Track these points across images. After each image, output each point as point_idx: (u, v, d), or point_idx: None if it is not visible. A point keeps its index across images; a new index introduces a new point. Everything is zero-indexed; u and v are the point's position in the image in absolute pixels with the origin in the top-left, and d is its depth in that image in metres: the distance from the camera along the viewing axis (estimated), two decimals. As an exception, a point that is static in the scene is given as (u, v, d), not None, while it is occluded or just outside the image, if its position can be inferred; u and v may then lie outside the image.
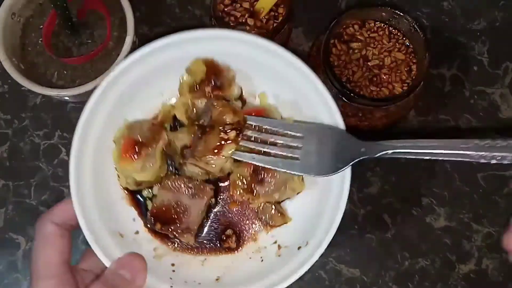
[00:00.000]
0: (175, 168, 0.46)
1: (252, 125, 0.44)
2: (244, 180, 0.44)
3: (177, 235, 0.44)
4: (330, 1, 0.68)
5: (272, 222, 0.46)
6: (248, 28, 0.51)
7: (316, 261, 0.60)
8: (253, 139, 0.44)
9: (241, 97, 0.47)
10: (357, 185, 0.62)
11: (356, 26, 0.52)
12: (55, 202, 0.61)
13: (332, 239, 0.61)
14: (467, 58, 0.66)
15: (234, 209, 0.46)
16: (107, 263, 0.41)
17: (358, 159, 0.42)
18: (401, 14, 0.49)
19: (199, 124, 0.43)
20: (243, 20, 0.51)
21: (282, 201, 0.46)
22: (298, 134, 0.44)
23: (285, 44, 0.54)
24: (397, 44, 0.51)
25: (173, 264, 0.45)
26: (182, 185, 0.44)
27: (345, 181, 0.43)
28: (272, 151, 0.44)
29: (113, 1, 0.54)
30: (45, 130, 0.64)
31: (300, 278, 0.61)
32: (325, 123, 0.44)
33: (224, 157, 0.42)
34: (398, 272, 0.61)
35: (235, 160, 0.44)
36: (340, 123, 0.44)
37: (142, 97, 0.45)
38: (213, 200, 0.46)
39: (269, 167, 0.44)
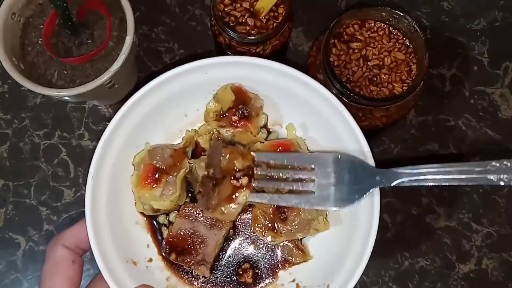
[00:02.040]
0: (194, 196, 0.43)
1: (262, 162, 0.42)
2: (267, 217, 0.42)
3: (192, 267, 0.41)
4: (330, 1, 0.68)
5: (291, 259, 0.43)
6: (248, 28, 0.51)
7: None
8: (265, 178, 0.42)
9: (265, 126, 0.45)
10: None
11: (356, 26, 0.52)
12: (55, 202, 0.62)
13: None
14: (467, 58, 0.66)
15: (253, 243, 0.44)
16: None
17: (374, 189, 0.41)
18: (401, 14, 0.49)
19: (209, 176, 0.42)
20: (243, 20, 0.51)
21: (303, 239, 0.44)
22: (310, 166, 0.42)
23: (285, 44, 0.54)
24: (397, 44, 0.51)
25: None
26: (201, 214, 0.42)
27: (373, 222, 0.40)
28: (286, 187, 0.42)
29: (113, 1, 0.54)
30: (45, 130, 0.64)
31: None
32: (336, 152, 0.42)
33: (238, 205, 0.41)
34: (398, 272, 0.61)
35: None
36: (369, 156, 0.42)
37: (165, 120, 0.43)
38: (231, 231, 0.43)
39: (284, 204, 0.42)
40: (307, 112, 0.44)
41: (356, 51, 0.51)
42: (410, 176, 0.41)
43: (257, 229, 0.43)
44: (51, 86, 0.53)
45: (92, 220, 0.39)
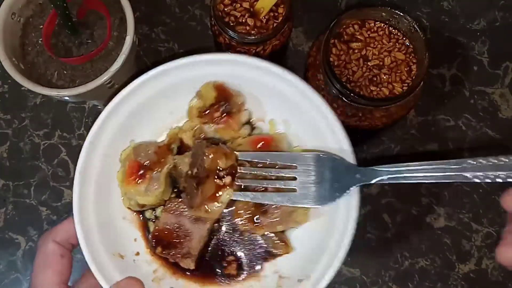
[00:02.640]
0: (179, 191, 0.44)
1: (245, 161, 0.43)
2: (248, 210, 0.43)
3: (177, 259, 0.42)
4: (330, 1, 0.68)
5: (274, 251, 0.44)
6: (248, 28, 0.51)
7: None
8: (248, 176, 0.43)
9: (249, 123, 0.46)
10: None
11: (356, 26, 0.52)
12: (55, 202, 0.62)
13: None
14: (467, 58, 0.66)
15: (237, 236, 0.45)
16: (105, 286, 0.40)
17: (355, 186, 0.42)
18: (401, 14, 0.49)
19: (193, 175, 0.42)
20: (243, 20, 0.51)
21: (285, 231, 0.46)
22: (292, 165, 0.43)
23: (285, 44, 0.54)
24: (397, 44, 0.51)
25: None
26: (186, 209, 0.43)
27: (351, 216, 0.41)
28: (269, 186, 0.43)
29: (113, 1, 0.54)
30: (45, 130, 0.64)
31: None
32: (318, 150, 0.44)
33: (222, 203, 0.42)
34: (398, 272, 0.61)
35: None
36: (348, 154, 0.43)
37: (150, 118, 0.44)
38: (216, 225, 0.44)
39: (267, 202, 0.43)
40: (290, 109, 0.44)
41: (356, 51, 0.51)
42: (389, 174, 0.41)
43: (239, 222, 0.43)
44: (51, 86, 0.53)
45: (79, 215, 0.40)
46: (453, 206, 0.62)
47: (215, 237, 0.45)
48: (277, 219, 0.43)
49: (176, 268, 0.43)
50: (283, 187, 0.43)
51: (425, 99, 0.64)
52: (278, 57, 0.58)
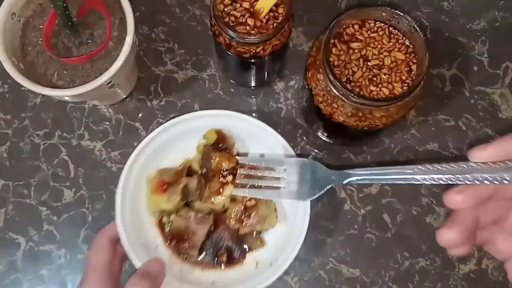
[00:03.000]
0: (186, 203, 0.60)
1: (244, 164, 0.57)
2: (237, 214, 0.57)
3: (185, 250, 0.58)
4: (330, 1, 0.68)
5: (253, 246, 0.59)
6: (248, 28, 0.51)
7: (316, 261, 0.61)
8: (246, 176, 0.56)
9: (237, 154, 0.61)
10: (357, 185, 0.63)
11: (356, 26, 0.52)
12: (55, 202, 0.62)
13: (332, 239, 0.61)
14: (467, 58, 0.66)
15: (228, 235, 0.59)
16: (138, 263, 0.54)
17: (330, 186, 0.52)
18: (401, 14, 0.49)
19: (202, 174, 0.58)
20: (243, 20, 0.51)
21: (261, 232, 0.59)
22: (282, 167, 0.55)
23: (285, 44, 0.54)
24: (397, 44, 0.51)
25: (181, 270, 0.58)
26: (192, 215, 0.58)
27: (305, 222, 0.55)
28: (262, 184, 0.55)
29: (113, 1, 0.54)
30: (45, 130, 0.64)
31: (300, 278, 0.61)
32: (299, 159, 0.55)
33: (225, 197, 0.57)
34: (398, 272, 0.61)
35: (231, 200, 0.58)
36: (291, 151, 0.58)
37: (170, 152, 0.60)
38: (213, 227, 0.59)
39: (260, 197, 0.56)
40: (262, 145, 0.60)
41: (356, 51, 0.51)
42: (358, 176, 0.49)
43: (231, 221, 0.57)
44: (51, 86, 0.53)
45: (121, 219, 0.55)
46: (453, 206, 0.62)
47: (212, 235, 0.59)
48: (256, 220, 0.57)
49: (184, 255, 0.59)
50: (273, 185, 0.55)
51: (425, 99, 0.64)
52: (278, 57, 0.58)
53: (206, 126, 0.59)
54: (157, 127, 0.57)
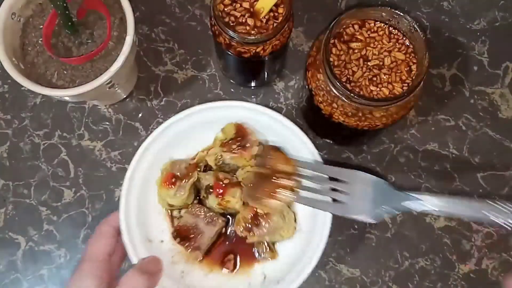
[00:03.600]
0: (200, 199, 0.57)
1: (303, 173, 0.52)
2: (246, 221, 0.54)
3: (189, 249, 0.54)
4: (330, 1, 0.68)
5: (263, 255, 0.55)
6: (248, 28, 0.51)
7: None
8: (307, 188, 0.51)
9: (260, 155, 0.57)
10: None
11: (356, 26, 0.52)
12: (55, 202, 0.62)
13: (332, 239, 0.61)
14: (467, 58, 0.66)
15: (237, 240, 0.56)
16: (135, 260, 0.52)
17: (402, 211, 0.48)
18: (401, 14, 0.49)
19: (259, 173, 0.53)
20: (243, 20, 0.51)
21: (274, 242, 0.56)
22: (346, 181, 0.50)
23: (285, 44, 0.54)
24: (397, 44, 0.51)
25: (182, 272, 0.55)
26: (202, 213, 0.55)
27: (323, 236, 0.51)
28: (324, 197, 0.51)
29: (113, 1, 0.54)
30: (45, 130, 0.64)
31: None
32: (367, 175, 0.51)
33: (278, 201, 0.51)
34: (398, 272, 0.61)
35: (244, 203, 0.54)
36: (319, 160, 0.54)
37: (187, 142, 0.57)
38: (223, 230, 0.56)
39: (321, 209, 0.51)
40: (283, 138, 0.56)
41: (356, 51, 0.51)
42: (432, 206, 0.46)
43: (239, 229, 0.54)
44: (51, 86, 0.53)
45: (125, 207, 0.52)
46: (453, 206, 0.62)
47: (222, 238, 0.57)
48: (265, 231, 0.53)
49: (188, 257, 0.56)
50: (336, 199, 0.50)
51: (425, 99, 0.64)
52: (278, 57, 0.58)
53: (227, 118, 0.56)
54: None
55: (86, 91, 0.51)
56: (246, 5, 0.52)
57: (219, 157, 0.56)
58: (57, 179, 0.63)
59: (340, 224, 0.62)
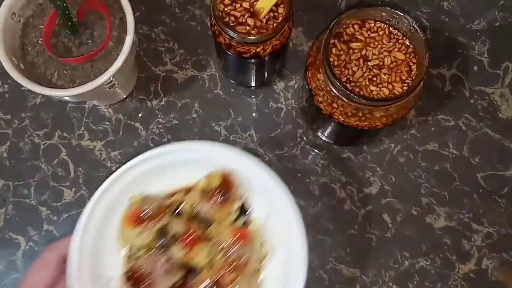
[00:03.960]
0: (163, 245, 0.50)
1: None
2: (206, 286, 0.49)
3: None
4: (330, 1, 0.68)
5: None
6: (248, 28, 0.51)
7: (316, 261, 0.61)
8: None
9: (244, 211, 0.52)
10: (357, 185, 0.63)
11: (356, 26, 0.52)
12: (55, 202, 0.62)
13: (332, 239, 0.61)
14: (467, 58, 0.66)
15: None
16: None
17: None
18: (401, 14, 0.49)
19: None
20: (243, 20, 0.51)
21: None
22: None
23: (285, 44, 0.54)
24: (397, 44, 0.51)
25: None
26: (161, 261, 0.49)
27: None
28: None
29: (113, 1, 0.54)
30: (45, 130, 0.64)
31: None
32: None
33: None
34: (398, 272, 0.61)
35: (209, 262, 0.49)
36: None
37: (162, 179, 0.52)
38: (180, 281, 0.50)
39: None
40: (271, 206, 0.51)
41: (356, 51, 0.51)
42: None
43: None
44: (51, 86, 0.53)
45: (81, 235, 0.47)
46: (453, 206, 0.62)
47: None
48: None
49: None
50: None
51: (425, 99, 0.64)
52: (278, 57, 0.58)
53: (212, 161, 0.51)
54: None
55: (86, 91, 0.51)
56: (246, 5, 0.52)
57: (196, 205, 0.52)
58: (57, 179, 0.63)
59: (340, 224, 0.62)
